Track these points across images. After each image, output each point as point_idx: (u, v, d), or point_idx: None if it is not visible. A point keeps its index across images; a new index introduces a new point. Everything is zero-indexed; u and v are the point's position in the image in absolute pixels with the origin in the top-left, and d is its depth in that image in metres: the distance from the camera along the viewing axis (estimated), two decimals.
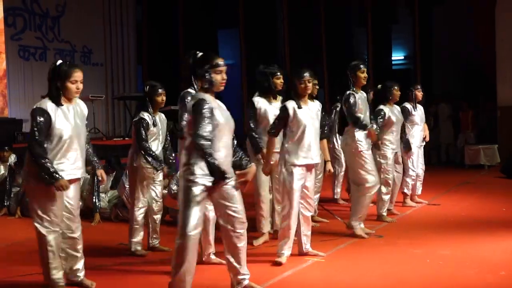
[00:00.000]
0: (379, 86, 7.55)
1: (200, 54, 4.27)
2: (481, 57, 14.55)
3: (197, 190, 3.97)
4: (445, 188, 9.64)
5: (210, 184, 3.97)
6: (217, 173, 3.91)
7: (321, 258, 5.45)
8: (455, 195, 9.25)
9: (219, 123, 4.00)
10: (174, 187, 6.07)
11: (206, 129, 3.90)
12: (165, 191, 7.38)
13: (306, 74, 5.29)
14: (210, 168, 3.91)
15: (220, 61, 4.13)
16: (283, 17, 14.89)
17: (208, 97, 4.06)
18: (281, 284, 4.75)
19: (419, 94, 8.18)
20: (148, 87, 5.83)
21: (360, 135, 6.27)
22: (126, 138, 12.26)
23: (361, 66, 6.38)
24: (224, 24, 16.37)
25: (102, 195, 7.70)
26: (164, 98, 5.85)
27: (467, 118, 13.75)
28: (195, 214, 3.98)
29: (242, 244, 4.23)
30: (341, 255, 5.66)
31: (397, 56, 16.63)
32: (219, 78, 4.10)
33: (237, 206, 4.15)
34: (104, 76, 15.32)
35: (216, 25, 16.37)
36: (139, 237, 5.85)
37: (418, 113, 8.16)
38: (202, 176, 3.97)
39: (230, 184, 4.09)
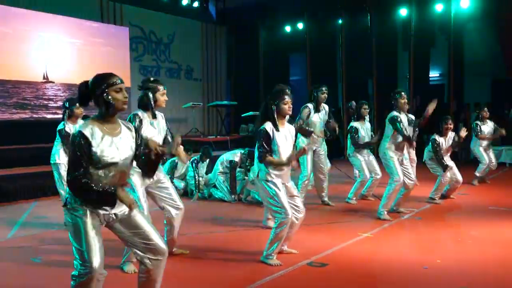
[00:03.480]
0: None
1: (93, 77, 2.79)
2: (506, 70, 13.82)
3: None
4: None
5: None
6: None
7: (370, 234, 5.33)
8: (481, 187, 8.79)
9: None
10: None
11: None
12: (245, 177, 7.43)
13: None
14: None
15: (117, 79, 2.77)
16: (341, 43, 14.65)
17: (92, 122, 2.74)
18: (336, 254, 4.65)
19: (485, 114, 8.76)
20: None
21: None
22: (218, 136, 12.44)
23: (402, 93, 5.99)
24: (295, 50, 16.32)
25: (200, 178, 7.81)
26: None
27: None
28: None
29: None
30: (387, 232, 5.51)
31: (434, 74, 16.00)
32: (120, 96, 2.75)
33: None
34: (201, 88, 15.60)
35: (288, 50, 16.36)
36: None
37: (486, 126, 8.79)
38: None
39: None
